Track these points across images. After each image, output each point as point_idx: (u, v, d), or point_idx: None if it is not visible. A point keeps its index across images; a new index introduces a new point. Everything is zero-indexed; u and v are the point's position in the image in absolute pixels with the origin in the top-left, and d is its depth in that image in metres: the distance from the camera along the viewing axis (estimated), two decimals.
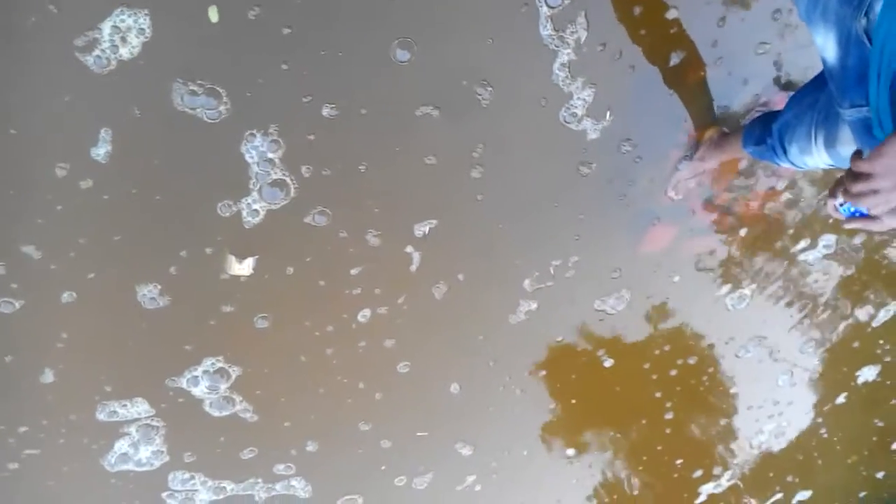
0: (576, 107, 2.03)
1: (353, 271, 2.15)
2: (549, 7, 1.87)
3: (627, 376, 2.56)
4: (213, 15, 1.65)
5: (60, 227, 1.90)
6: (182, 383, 2.21)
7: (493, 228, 2.17)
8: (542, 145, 2.09)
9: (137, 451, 2.28)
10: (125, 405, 2.22)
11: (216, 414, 2.27)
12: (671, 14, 1.97)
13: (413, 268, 2.17)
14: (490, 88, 1.95)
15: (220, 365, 2.21)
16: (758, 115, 2.10)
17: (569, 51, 1.94)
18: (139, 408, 2.23)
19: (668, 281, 2.42)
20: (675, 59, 2.03)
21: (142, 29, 1.67)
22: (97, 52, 1.69)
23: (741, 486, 2.97)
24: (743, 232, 2.40)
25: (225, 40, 1.73)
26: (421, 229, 2.13)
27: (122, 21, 1.66)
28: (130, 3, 1.65)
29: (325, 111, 1.89)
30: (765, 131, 1.73)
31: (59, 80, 1.70)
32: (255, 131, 1.89)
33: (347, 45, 1.81)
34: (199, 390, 2.22)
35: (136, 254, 1.98)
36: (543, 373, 2.49)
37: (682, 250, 2.38)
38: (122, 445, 2.27)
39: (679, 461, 2.80)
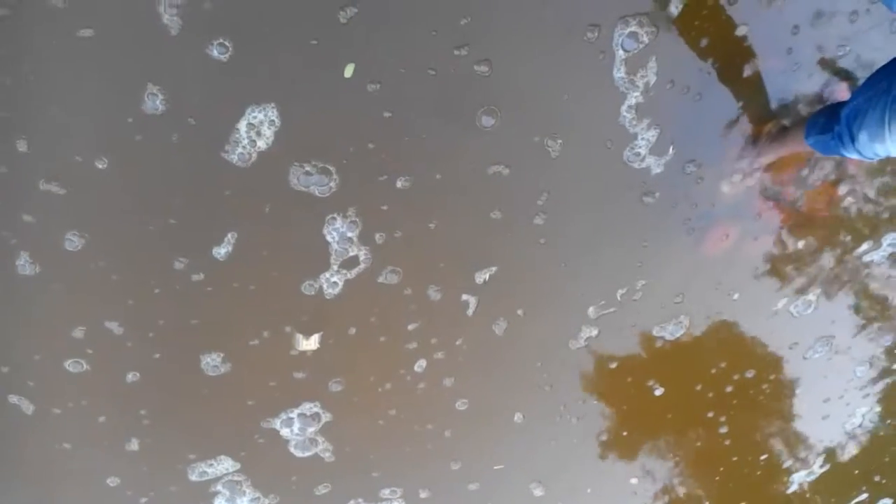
0: (639, 146, 2.06)
1: (411, 326, 2.23)
2: (625, 51, 1.91)
3: (686, 393, 2.61)
4: (349, 71, 1.78)
5: (150, 309, 2.04)
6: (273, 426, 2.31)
7: (555, 267, 2.23)
8: (606, 185, 2.13)
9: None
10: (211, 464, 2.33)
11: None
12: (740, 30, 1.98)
13: (470, 312, 2.24)
14: (560, 140, 2.01)
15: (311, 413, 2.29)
16: (820, 107, 2.08)
17: (637, 93, 1.98)
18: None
19: (728, 299, 2.45)
20: (736, 62, 2.03)
21: (272, 120, 1.83)
22: (239, 149, 1.86)
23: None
24: (805, 231, 2.40)
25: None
26: (481, 276, 2.20)
27: (255, 117, 1.82)
28: (258, 100, 1.79)
29: (399, 183, 1.99)
30: (831, 119, 1.71)
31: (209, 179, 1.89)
32: (335, 214, 1.99)
33: (436, 121, 1.92)
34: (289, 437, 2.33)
35: (220, 340, 2.11)
36: (598, 400, 2.56)
37: (743, 255, 2.39)
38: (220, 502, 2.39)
39: (763, 456, 2.85)
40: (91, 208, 1.90)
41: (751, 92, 2.07)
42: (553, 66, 1.91)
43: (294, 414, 2.30)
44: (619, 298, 2.34)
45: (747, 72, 2.04)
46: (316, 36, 1.77)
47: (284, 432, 2.32)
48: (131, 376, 2.15)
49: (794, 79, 2.08)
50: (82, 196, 1.88)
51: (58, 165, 1.84)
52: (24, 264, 1.95)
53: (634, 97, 1.97)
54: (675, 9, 1.90)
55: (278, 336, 2.16)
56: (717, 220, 2.27)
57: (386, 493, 2.49)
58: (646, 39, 1.91)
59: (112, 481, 2.32)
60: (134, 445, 2.27)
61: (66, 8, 1.67)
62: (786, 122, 2.11)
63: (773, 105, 2.11)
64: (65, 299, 2.01)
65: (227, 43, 1.74)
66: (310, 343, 2.15)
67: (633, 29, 1.89)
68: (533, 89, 1.93)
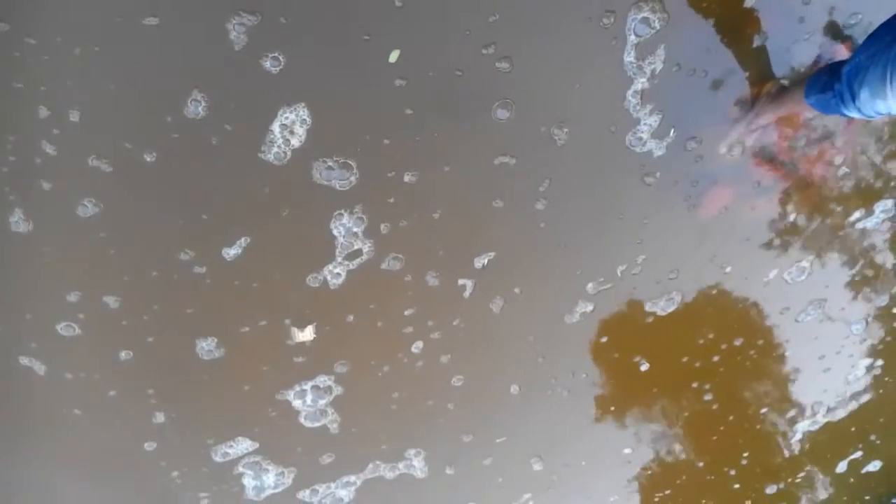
0: (642, 131, 2.07)
1: (408, 312, 2.27)
2: (637, 36, 1.91)
3: (675, 362, 2.69)
4: (394, 57, 1.82)
5: (151, 292, 2.07)
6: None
7: (554, 248, 2.26)
8: (608, 169, 2.15)
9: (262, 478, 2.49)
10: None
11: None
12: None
13: (467, 294, 2.28)
14: (566, 129, 2.02)
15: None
16: (821, 66, 2.07)
17: (644, 79, 1.97)
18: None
19: (721, 272, 2.50)
20: (741, 33, 2.02)
21: (304, 119, 1.87)
22: (275, 148, 1.90)
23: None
24: (800, 195, 2.43)
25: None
26: (480, 262, 2.23)
27: (287, 118, 1.86)
28: (289, 101, 1.84)
29: (407, 177, 2.01)
30: (832, 77, 1.71)
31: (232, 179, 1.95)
32: (342, 210, 2.03)
33: (452, 117, 1.96)
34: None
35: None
36: (589, 374, 2.63)
37: (738, 221, 2.42)
38: (249, 480, 2.49)
39: (763, 410, 2.97)
40: (113, 186, 1.92)
41: (752, 54, 2.06)
42: (569, 54, 1.91)
43: (307, 386, 2.35)
44: (619, 275, 2.39)
45: (750, 38, 2.03)
46: (368, 31, 1.80)
47: (296, 403, 2.39)
48: (124, 354, 2.18)
49: (795, 39, 2.07)
50: (110, 175, 1.90)
51: (101, 143, 1.86)
52: (18, 221, 1.94)
53: (641, 82, 1.97)
54: None
55: (276, 326, 2.20)
56: (714, 183, 2.28)
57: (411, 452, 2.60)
58: (657, 25, 1.90)
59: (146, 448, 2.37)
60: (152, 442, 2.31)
61: None
62: (785, 81, 2.10)
63: (774, 65, 2.10)
64: (68, 263, 2.02)
65: (280, 57, 1.78)
66: (305, 334, 2.18)
67: (645, 14, 1.87)
68: (548, 80, 1.94)
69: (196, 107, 1.83)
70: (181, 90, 1.80)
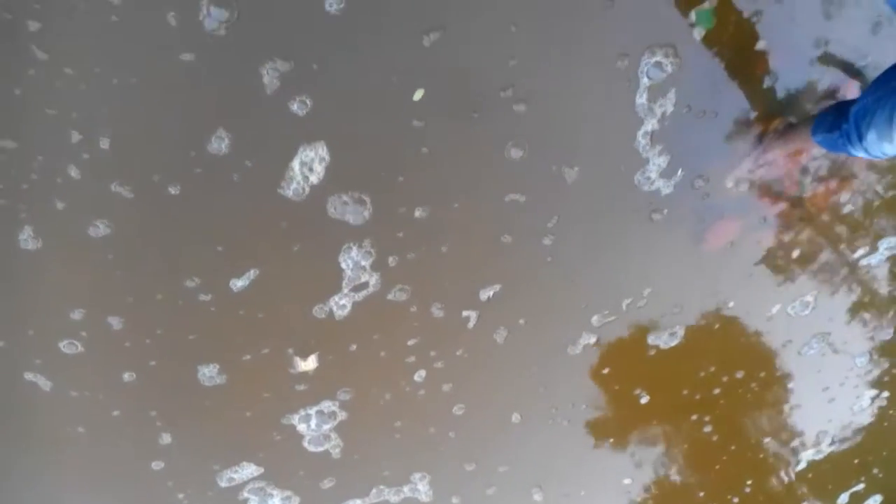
0: (650, 171, 2.08)
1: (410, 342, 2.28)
2: (649, 78, 1.93)
3: (676, 392, 2.70)
4: (418, 95, 1.85)
5: (155, 316, 2.08)
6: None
7: (560, 281, 2.27)
8: (616, 206, 2.16)
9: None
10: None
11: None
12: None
13: (471, 325, 2.29)
14: (577, 167, 2.03)
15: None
16: (829, 104, 2.07)
17: (654, 120, 1.99)
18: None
19: (725, 306, 2.49)
20: (751, 74, 2.03)
21: (322, 157, 1.91)
22: (294, 184, 1.94)
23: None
24: (805, 230, 2.43)
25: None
26: (486, 294, 2.24)
27: (307, 156, 1.89)
28: (310, 140, 1.87)
29: (418, 212, 2.04)
30: (840, 117, 1.73)
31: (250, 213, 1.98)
32: (351, 243, 2.05)
33: (467, 157, 1.98)
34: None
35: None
36: (590, 404, 2.64)
37: (743, 255, 2.42)
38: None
39: (767, 439, 2.97)
40: (129, 211, 1.93)
41: (761, 92, 2.07)
42: (584, 96, 1.94)
43: (311, 411, 2.36)
44: (624, 308, 2.39)
45: (760, 78, 2.03)
46: (395, 71, 1.83)
47: (300, 427, 2.39)
48: (127, 376, 2.19)
49: (803, 77, 2.07)
50: (130, 201, 1.92)
51: (126, 170, 1.88)
52: (27, 238, 1.95)
53: (651, 124, 1.98)
54: (697, 36, 1.89)
55: (278, 354, 2.22)
56: (720, 217, 2.29)
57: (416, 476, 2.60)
58: (670, 69, 1.91)
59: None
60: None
61: (177, 27, 1.69)
62: (792, 118, 2.11)
63: (781, 102, 2.11)
64: (74, 282, 2.04)
65: (307, 100, 1.82)
66: (308, 363, 2.19)
67: (658, 58, 1.89)
68: (562, 121, 1.97)
69: (220, 143, 1.85)
70: (207, 127, 1.83)
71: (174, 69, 1.73)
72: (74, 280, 2.02)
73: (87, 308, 2.07)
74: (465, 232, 2.09)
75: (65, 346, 2.11)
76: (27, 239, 1.93)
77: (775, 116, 2.12)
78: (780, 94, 2.07)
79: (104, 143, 1.82)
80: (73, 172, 1.84)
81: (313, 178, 1.94)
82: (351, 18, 1.74)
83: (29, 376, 2.14)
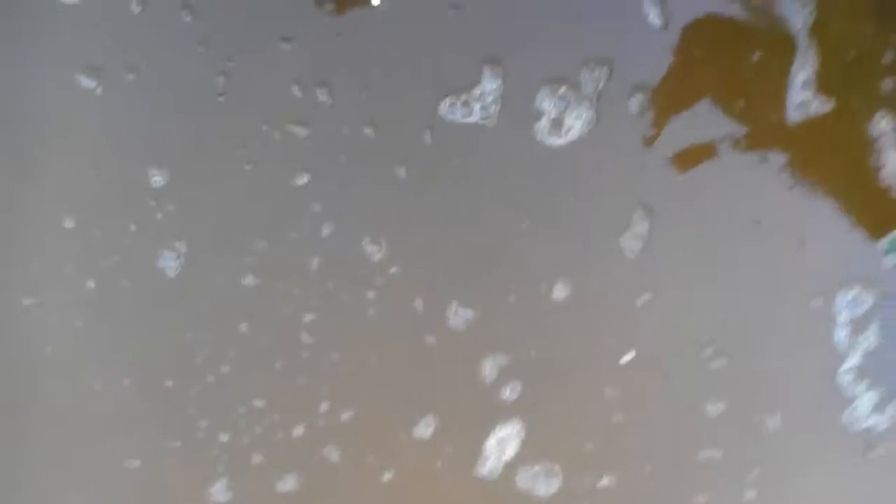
0: (859, 409, 1.90)
1: None
2: (848, 314, 1.86)
3: None
4: (627, 357, 1.82)
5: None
6: None
7: None
8: (823, 450, 1.95)
9: None
10: None
11: None
12: None
13: None
14: (778, 414, 1.89)
15: None
16: None
17: (857, 357, 1.85)
18: None
19: None
20: None
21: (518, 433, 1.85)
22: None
23: None
24: None
25: None
26: None
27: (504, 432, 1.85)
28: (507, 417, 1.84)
29: (606, 480, 1.91)
30: None
31: None
32: None
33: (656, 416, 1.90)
34: None
35: None
36: None
37: None
38: None
39: None
40: None
41: None
42: (781, 341, 1.88)
43: None
44: None
45: None
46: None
47: None
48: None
49: None
50: None
51: None
52: None
53: (853, 360, 1.85)
54: (890, 264, 1.82)
55: None
56: None
57: None
58: (868, 303, 1.82)
59: None
60: None
61: (423, 315, 1.85)
62: None
63: None
64: None
65: (519, 386, 1.85)
66: None
67: (855, 293, 1.83)
68: (761, 369, 1.88)
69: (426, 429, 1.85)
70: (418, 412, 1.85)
71: (416, 351, 1.82)
72: None
73: None
74: (654, 494, 1.91)
75: None
76: None
77: None
78: None
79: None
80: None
81: (507, 454, 1.87)
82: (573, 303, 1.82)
83: None
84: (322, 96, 1.81)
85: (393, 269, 1.87)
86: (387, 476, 1.85)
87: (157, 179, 1.82)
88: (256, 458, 1.90)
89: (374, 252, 1.89)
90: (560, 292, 1.82)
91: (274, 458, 1.89)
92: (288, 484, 1.89)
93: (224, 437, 1.88)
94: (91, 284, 1.86)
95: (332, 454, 1.87)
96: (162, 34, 1.81)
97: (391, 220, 1.90)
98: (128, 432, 1.88)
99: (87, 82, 1.80)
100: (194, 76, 1.81)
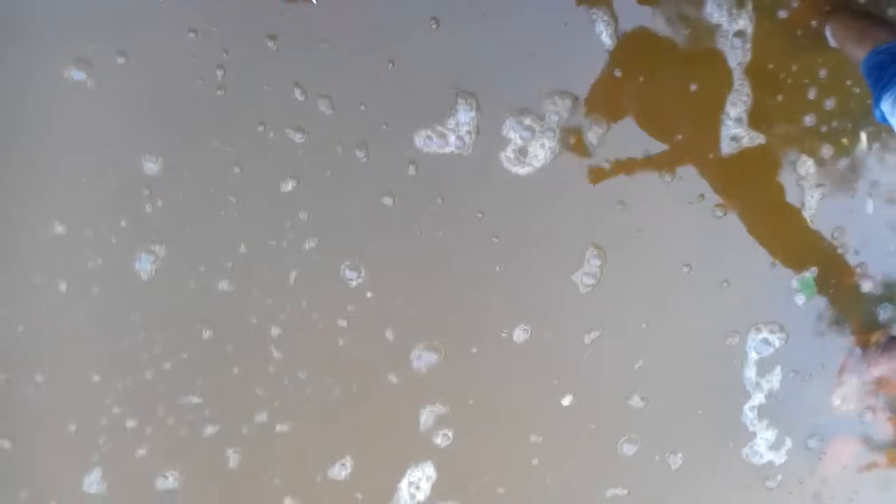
0: (758, 445, 1.95)
1: None
2: (757, 354, 1.89)
3: None
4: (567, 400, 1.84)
5: None
6: None
7: None
8: (727, 481, 2.00)
9: None
10: None
11: None
12: None
13: None
14: (681, 454, 1.91)
15: None
16: None
17: (762, 395, 1.90)
18: None
19: None
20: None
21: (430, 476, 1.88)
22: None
23: None
24: None
25: None
26: None
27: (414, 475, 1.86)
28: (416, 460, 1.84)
29: None
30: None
31: None
32: None
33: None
34: None
35: None
36: None
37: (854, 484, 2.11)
38: None
39: None
40: None
41: (856, 305, 1.97)
42: (694, 380, 1.91)
43: None
44: None
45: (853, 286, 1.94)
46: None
47: None
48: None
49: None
50: None
51: None
52: None
53: (759, 398, 1.90)
54: (800, 302, 1.86)
55: None
56: (830, 439, 2.06)
57: None
58: (777, 344, 1.87)
59: None
60: None
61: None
62: (894, 331, 1.98)
63: (879, 314, 1.98)
64: None
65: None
66: None
67: (764, 335, 1.86)
68: (672, 409, 1.91)
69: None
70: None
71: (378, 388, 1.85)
72: None
73: None
74: None
75: None
76: None
77: (873, 330, 1.98)
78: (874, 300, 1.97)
79: None
80: None
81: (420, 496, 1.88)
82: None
83: None
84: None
85: (369, 298, 1.81)
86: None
87: (148, 172, 1.69)
88: (141, 452, 1.80)
89: (353, 278, 1.82)
90: (520, 335, 1.82)
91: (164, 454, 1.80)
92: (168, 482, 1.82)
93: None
94: (62, 287, 1.75)
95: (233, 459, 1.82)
96: (160, 33, 1.66)
97: (374, 249, 1.82)
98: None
99: (77, 75, 1.65)
100: (190, 71, 1.67)
